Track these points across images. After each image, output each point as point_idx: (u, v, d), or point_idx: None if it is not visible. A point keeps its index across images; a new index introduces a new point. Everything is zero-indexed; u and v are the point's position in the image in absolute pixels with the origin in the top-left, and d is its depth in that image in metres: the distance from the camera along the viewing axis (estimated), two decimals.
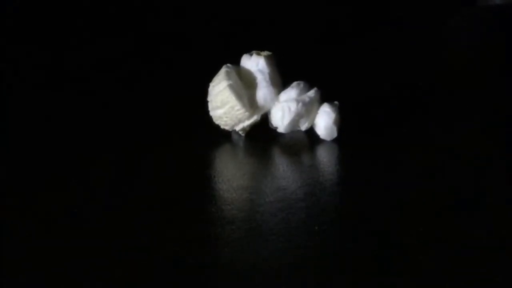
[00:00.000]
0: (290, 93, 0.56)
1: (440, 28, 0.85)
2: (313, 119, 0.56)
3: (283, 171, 0.53)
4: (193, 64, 0.73)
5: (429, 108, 0.63)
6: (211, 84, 0.56)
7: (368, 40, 0.81)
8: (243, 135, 0.57)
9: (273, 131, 0.57)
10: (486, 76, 0.71)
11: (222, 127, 0.57)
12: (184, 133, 0.58)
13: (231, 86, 0.55)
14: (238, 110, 0.55)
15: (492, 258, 0.42)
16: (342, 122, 0.56)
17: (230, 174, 0.53)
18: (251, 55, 0.56)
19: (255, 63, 0.56)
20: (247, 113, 0.55)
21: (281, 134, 0.57)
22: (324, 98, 0.56)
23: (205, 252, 0.43)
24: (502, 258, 0.42)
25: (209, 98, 0.56)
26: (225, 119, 0.56)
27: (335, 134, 0.56)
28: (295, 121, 0.56)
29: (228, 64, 0.56)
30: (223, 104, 0.55)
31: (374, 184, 0.50)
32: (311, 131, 0.57)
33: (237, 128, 0.56)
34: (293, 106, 0.56)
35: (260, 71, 0.56)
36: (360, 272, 0.41)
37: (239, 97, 0.55)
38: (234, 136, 0.57)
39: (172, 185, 0.50)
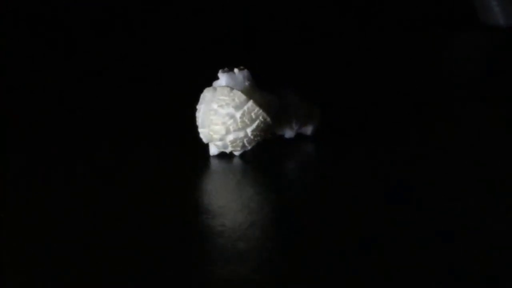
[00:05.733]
0: (292, 98, 0.56)
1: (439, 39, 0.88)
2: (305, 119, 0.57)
3: (283, 177, 0.53)
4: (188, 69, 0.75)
5: (424, 108, 0.64)
6: (213, 109, 0.53)
7: (366, 41, 0.83)
8: (237, 154, 0.55)
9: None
10: (480, 78, 0.73)
11: (231, 150, 0.54)
12: (175, 143, 0.58)
13: (255, 100, 0.53)
14: (267, 123, 0.54)
15: (493, 257, 0.42)
16: (328, 122, 0.58)
17: (224, 183, 0.53)
18: (233, 71, 0.54)
19: (242, 77, 0.54)
20: (272, 124, 0.54)
21: (265, 142, 0.56)
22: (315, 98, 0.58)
23: (201, 261, 0.42)
24: (503, 257, 0.42)
25: (214, 125, 0.53)
26: (247, 138, 0.53)
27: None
28: (302, 124, 0.57)
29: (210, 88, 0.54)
30: (252, 122, 0.53)
31: (369, 181, 0.51)
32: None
33: (249, 147, 0.54)
34: (300, 111, 0.56)
35: (250, 84, 0.54)
36: (358, 273, 0.40)
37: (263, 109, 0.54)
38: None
39: (166, 196, 0.50)
